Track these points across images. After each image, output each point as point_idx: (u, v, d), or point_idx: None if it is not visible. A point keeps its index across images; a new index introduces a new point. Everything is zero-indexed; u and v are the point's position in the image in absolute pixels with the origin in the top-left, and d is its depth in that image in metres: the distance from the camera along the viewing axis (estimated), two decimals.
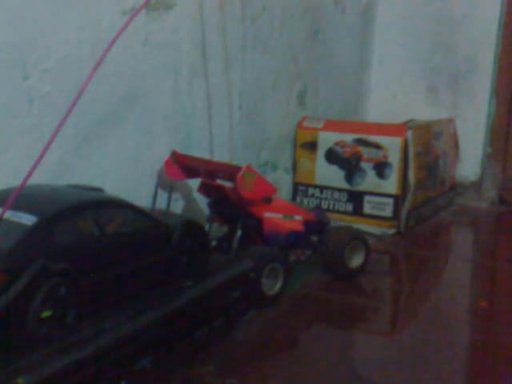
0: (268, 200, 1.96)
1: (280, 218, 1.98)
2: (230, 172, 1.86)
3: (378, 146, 2.66)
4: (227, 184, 1.92)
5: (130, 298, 1.34)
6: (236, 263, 1.70)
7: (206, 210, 2.03)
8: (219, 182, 1.95)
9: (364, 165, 2.68)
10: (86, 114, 1.68)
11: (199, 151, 2.15)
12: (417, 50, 3.40)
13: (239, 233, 1.89)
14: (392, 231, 2.65)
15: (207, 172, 1.95)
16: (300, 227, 2.01)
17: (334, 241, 2.06)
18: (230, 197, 1.86)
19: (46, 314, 1.13)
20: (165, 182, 1.98)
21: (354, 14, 3.21)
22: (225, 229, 2.03)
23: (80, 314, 1.21)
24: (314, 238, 2.11)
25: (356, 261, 2.09)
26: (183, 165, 1.96)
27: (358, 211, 2.69)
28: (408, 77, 3.43)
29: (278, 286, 1.84)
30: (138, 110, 1.90)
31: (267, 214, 1.95)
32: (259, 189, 1.87)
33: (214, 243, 1.95)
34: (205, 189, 1.98)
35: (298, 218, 2.02)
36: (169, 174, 1.96)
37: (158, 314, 1.34)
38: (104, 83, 1.73)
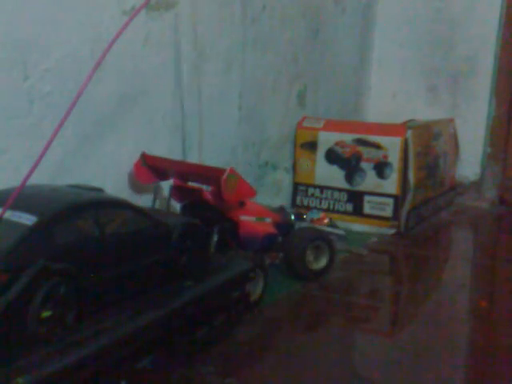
0: (241, 203, 1.91)
1: (253, 220, 1.94)
2: (211, 174, 1.81)
3: (378, 146, 2.66)
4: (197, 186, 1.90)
5: (130, 298, 1.34)
6: (236, 263, 1.69)
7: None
8: (191, 184, 1.92)
9: (364, 165, 2.68)
10: (86, 114, 1.68)
11: (199, 151, 2.15)
12: (417, 50, 3.40)
13: (216, 237, 1.82)
14: (392, 231, 2.65)
15: (179, 174, 1.89)
16: (273, 229, 1.99)
17: (295, 242, 2.03)
18: (208, 200, 1.82)
19: (45, 313, 1.13)
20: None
21: (354, 14, 3.21)
22: None
23: (80, 314, 1.21)
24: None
25: (320, 262, 2.07)
26: (154, 167, 1.89)
27: (357, 211, 2.69)
28: (408, 77, 3.43)
29: (259, 291, 1.80)
30: (138, 110, 1.90)
31: (243, 218, 1.91)
32: (241, 191, 1.83)
33: None
34: (178, 192, 1.92)
35: (269, 220, 2.00)
36: (137, 176, 1.89)
37: (158, 313, 1.34)
38: (104, 83, 1.73)
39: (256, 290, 1.79)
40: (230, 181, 1.74)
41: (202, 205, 1.86)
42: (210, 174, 1.81)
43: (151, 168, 1.88)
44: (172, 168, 1.90)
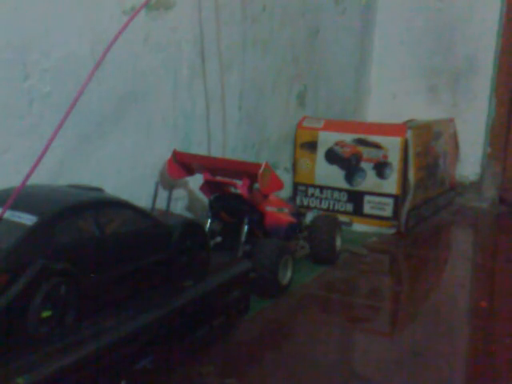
0: (266, 195, 2.01)
1: (275, 211, 2.05)
2: (245, 169, 1.92)
3: (378, 146, 2.66)
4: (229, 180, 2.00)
5: (130, 297, 1.34)
6: (236, 263, 1.69)
7: (206, 209, 2.03)
8: (222, 178, 2.01)
9: (364, 165, 2.68)
10: (86, 114, 1.68)
11: (199, 151, 2.15)
12: (417, 49, 3.40)
13: (246, 227, 1.93)
14: (392, 231, 2.65)
15: (210, 169, 1.98)
16: (292, 219, 2.10)
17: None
18: (242, 193, 1.92)
19: (46, 313, 1.13)
20: (165, 182, 1.98)
21: (353, 14, 3.21)
22: (217, 225, 2.03)
23: (80, 314, 1.21)
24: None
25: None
26: (184, 163, 1.99)
27: (358, 211, 2.69)
28: (408, 77, 3.43)
29: (289, 275, 1.91)
30: (138, 110, 1.90)
31: (268, 208, 2.02)
32: (272, 184, 1.94)
33: (218, 239, 1.98)
34: (208, 186, 2.01)
35: (286, 210, 2.11)
36: (170, 172, 1.98)
37: (158, 313, 1.34)
38: (104, 83, 1.73)
39: (287, 274, 1.90)
40: (264, 174, 1.85)
41: (230, 198, 2.00)
42: (244, 169, 1.92)
43: (181, 164, 1.98)
44: (202, 163, 1.99)
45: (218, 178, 2.01)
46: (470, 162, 3.35)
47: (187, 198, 2.18)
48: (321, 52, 2.95)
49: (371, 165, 2.67)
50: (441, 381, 1.50)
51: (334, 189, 2.73)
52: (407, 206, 2.66)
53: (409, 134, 2.63)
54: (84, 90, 1.35)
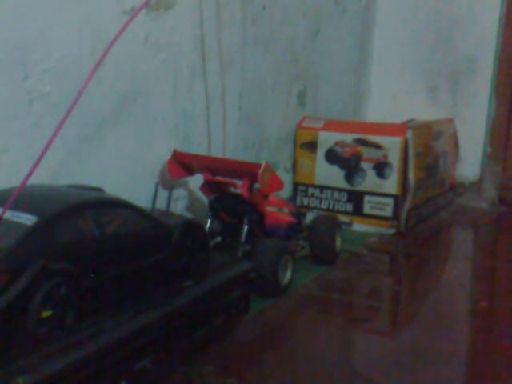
0: (265, 195, 2.01)
1: (275, 211, 2.04)
2: (245, 169, 1.92)
3: (378, 146, 2.66)
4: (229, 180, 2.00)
5: (130, 297, 1.34)
6: (236, 263, 1.69)
7: (206, 209, 2.03)
8: (222, 178, 2.01)
9: (364, 165, 2.68)
10: (86, 114, 1.68)
11: (199, 151, 2.15)
12: (417, 49, 3.40)
13: (246, 227, 1.93)
14: (392, 231, 2.65)
15: (210, 169, 1.98)
16: (293, 219, 2.10)
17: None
18: (242, 193, 1.92)
19: (46, 313, 1.13)
20: (165, 182, 1.98)
21: (354, 14, 3.21)
22: (217, 225, 2.03)
23: (80, 314, 1.21)
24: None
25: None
26: (184, 163, 1.99)
27: (358, 211, 2.69)
28: (408, 77, 3.43)
29: (289, 275, 1.91)
30: (137, 110, 1.90)
31: (268, 208, 2.01)
32: (272, 184, 1.94)
33: (218, 239, 1.98)
34: (209, 186, 2.02)
35: (286, 210, 2.10)
36: (170, 172, 1.98)
37: (158, 313, 1.34)
38: (104, 83, 1.73)
39: (286, 274, 1.90)
40: (264, 174, 1.86)
41: (230, 198, 1.99)
42: (244, 169, 1.92)
43: (181, 164, 1.98)
44: (202, 163, 1.99)
45: (218, 178, 2.01)
46: (469, 162, 3.35)
47: (187, 198, 2.18)
48: (321, 52, 2.94)
49: (371, 165, 2.67)
50: (441, 381, 1.50)
51: (334, 189, 2.73)
52: (407, 206, 2.66)
53: (409, 134, 2.63)
54: (84, 89, 1.35)
